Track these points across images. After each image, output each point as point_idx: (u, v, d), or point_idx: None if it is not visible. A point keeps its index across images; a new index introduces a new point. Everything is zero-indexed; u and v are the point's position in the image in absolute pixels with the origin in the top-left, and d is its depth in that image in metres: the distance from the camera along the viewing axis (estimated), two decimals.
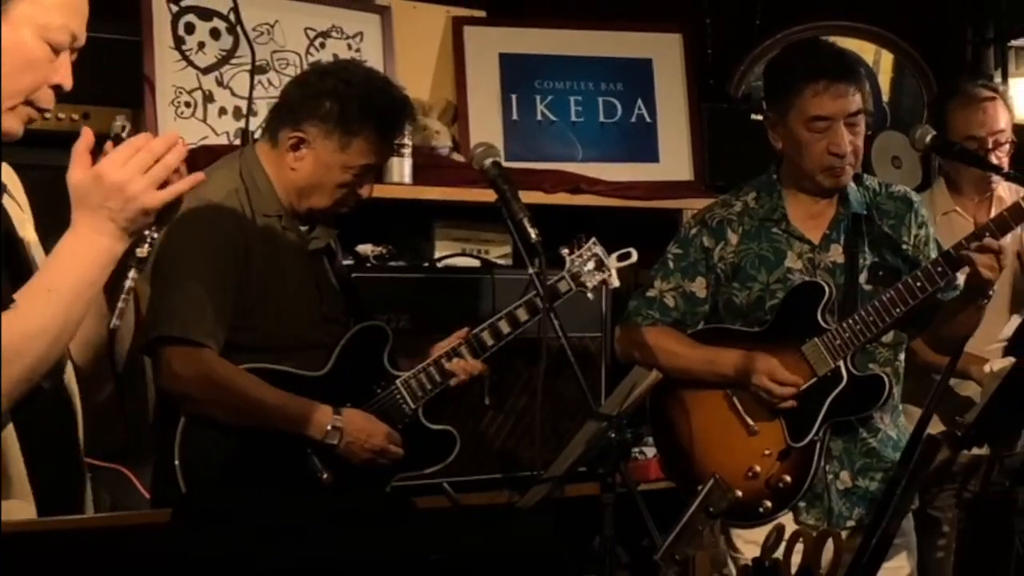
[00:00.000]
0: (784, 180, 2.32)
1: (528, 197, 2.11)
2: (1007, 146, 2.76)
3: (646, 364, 2.09)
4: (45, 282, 1.36)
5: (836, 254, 2.29)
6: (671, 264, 2.34)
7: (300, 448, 2.06)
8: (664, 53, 3.09)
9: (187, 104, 2.59)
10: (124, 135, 1.38)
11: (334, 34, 2.78)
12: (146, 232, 1.37)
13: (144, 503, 2.26)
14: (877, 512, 1.72)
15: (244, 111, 2.59)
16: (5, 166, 1.49)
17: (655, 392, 2.08)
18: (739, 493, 1.91)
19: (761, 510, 2.20)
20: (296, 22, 2.73)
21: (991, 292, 2.21)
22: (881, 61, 3.59)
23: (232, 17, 2.62)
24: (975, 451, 2.66)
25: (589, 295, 2.23)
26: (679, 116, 3.07)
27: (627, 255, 2.23)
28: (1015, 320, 2.82)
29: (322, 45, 2.75)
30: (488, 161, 1.96)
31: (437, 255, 2.77)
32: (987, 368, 2.67)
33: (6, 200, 1.48)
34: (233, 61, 2.64)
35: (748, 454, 2.22)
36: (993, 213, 2.51)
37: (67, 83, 1.43)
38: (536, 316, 2.15)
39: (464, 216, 2.78)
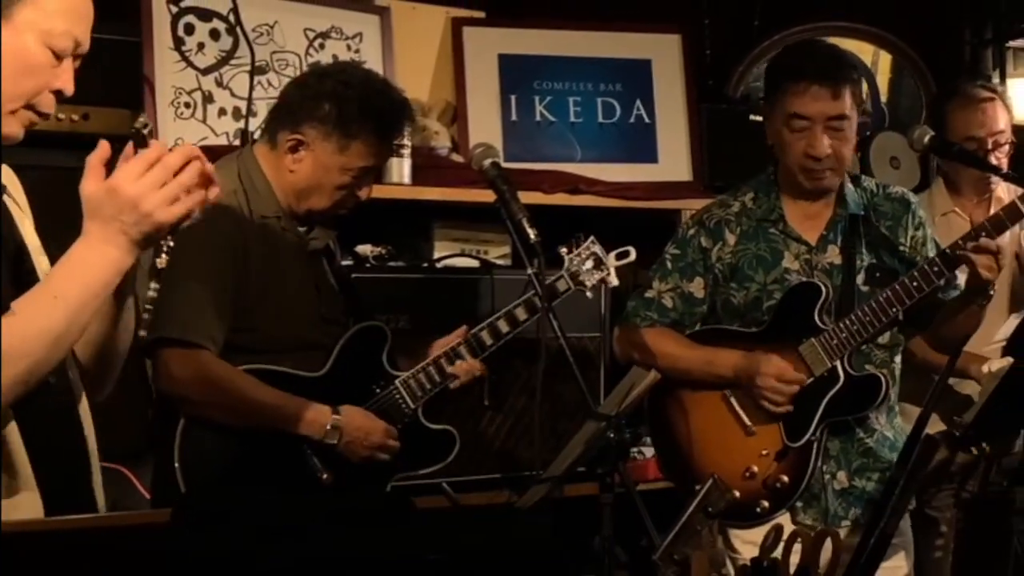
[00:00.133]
0: (781, 180, 2.33)
1: (527, 197, 2.11)
2: (1006, 147, 2.77)
3: (645, 365, 2.10)
4: (52, 288, 1.37)
5: (833, 255, 2.29)
6: (669, 265, 2.34)
7: (299, 448, 2.06)
8: (663, 54, 3.09)
9: (187, 105, 2.59)
10: (146, 132, 1.39)
11: (333, 35, 2.78)
12: (161, 242, 1.38)
13: (144, 503, 2.26)
14: (875, 512, 1.72)
15: (244, 112, 2.59)
16: (5, 167, 1.49)
17: (653, 392, 2.09)
18: (737, 493, 1.91)
19: (758, 510, 2.21)
20: (295, 23, 2.73)
21: (991, 292, 2.22)
22: (879, 62, 3.59)
23: (232, 18, 2.63)
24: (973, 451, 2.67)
25: (588, 294, 2.23)
26: (678, 117, 3.08)
27: (625, 254, 2.24)
28: (1013, 320, 2.83)
29: (321, 46, 2.76)
30: (487, 162, 1.96)
31: (436, 255, 2.78)
32: (985, 368, 2.67)
33: (7, 200, 1.49)
34: (233, 62, 2.64)
35: (745, 454, 2.23)
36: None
37: (68, 89, 1.43)
38: (535, 315, 2.15)
39: (463, 216, 2.78)
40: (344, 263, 2.57)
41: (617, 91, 3.05)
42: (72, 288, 1.36)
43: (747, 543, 2.20)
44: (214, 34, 2.63)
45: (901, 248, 2.31)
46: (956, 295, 2.29)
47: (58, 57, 1.42)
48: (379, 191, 2.62)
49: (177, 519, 1.11)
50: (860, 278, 2.27)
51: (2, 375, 1.31)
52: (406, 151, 2.65)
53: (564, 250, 2.20)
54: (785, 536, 1.60)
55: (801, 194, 2.30)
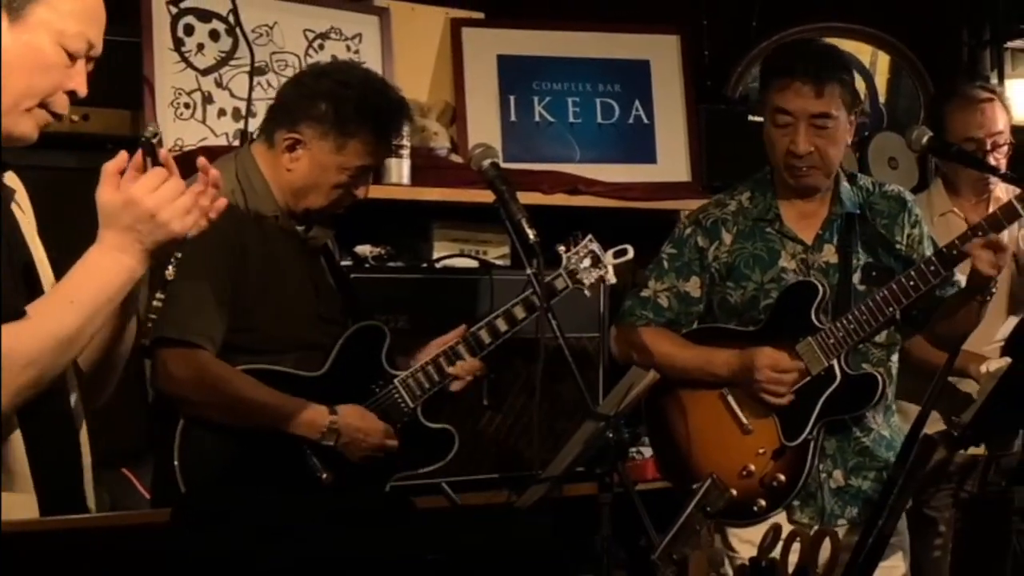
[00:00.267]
0: (777, 180, 2.33)
1: (526, 198, 2.11)
2: (1005, 148, 2.77)
3: (643, 364, 2.10)
4: (67, 293, 1.39)
5: (829, 254, 2.29)
6: (665, 264, 2.35)
7: (299, 448, 2.06)
8: (661, 55, 3.09)
9: (186, 105, 2.59)
10: (155, 141, 1.42)
11: (333, 36, 2.78)
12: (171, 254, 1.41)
13: (144, 503, 2.26)
14: (874, 511, 1.73)
15: (243, 112, 2.59)
16: (12, 175, 1.51)
17: (650, 392, 2.09)
18: (734, 492, 1.92)
19: (755, 509, 2.21)
20: (295, 24, 2.73)
21: (993, 290, 2.22)
22: (878, 62, 3.59)
23: (231, 19, 2.63)
24: (971, 451, 2.67)
25: (586, 292, 2.23)
26: (676, 117, 3.08)
27: (623, 252, 2.24)
28: (1012, 321, 2.83)
29: (321, 47, 2.76)
30: (486, 162, 1.96)
31: (435, 256, 2.78)
32: (983, 368, 2.67)
33: (13, 207, 1.50)
34: (232, 62, 2.64)
35: (742, 453, 2.23)
36: None
37: (82, 90, 1.45)
38: (533, 314, 2.15)
39: (462, 217, 2.78)
40: (343, 263, 2.57)
41: (616, 92, 3.06)
42: (86, 294, 1.38)
43: (744, 542, 2.21)
44: (214, 35, 2.63)
45: (897, 246, 2.31)
46: (954, 292, 2.29)
47: (72, 58, 1.43)
48: (378, 191, 2.62)
49: (177, 519, 1.11)
50: (856, 277, 2.28)
51: (15, 378, 1.32)
52: (405, 152, 2.65)
53: (562, 248, 2.20)
54: (784, 535, 1.61)
55: (796, 193, 2.30)
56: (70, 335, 1.37)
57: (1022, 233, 2.82)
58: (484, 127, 2.89)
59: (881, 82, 3.60)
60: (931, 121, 2.83)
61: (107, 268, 1.40)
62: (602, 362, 2.60)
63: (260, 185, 2.11)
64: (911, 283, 2.19)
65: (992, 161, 2.71)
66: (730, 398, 2.27)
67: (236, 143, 2.54)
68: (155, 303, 1.42)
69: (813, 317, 2.23)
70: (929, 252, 2.28)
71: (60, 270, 1.48)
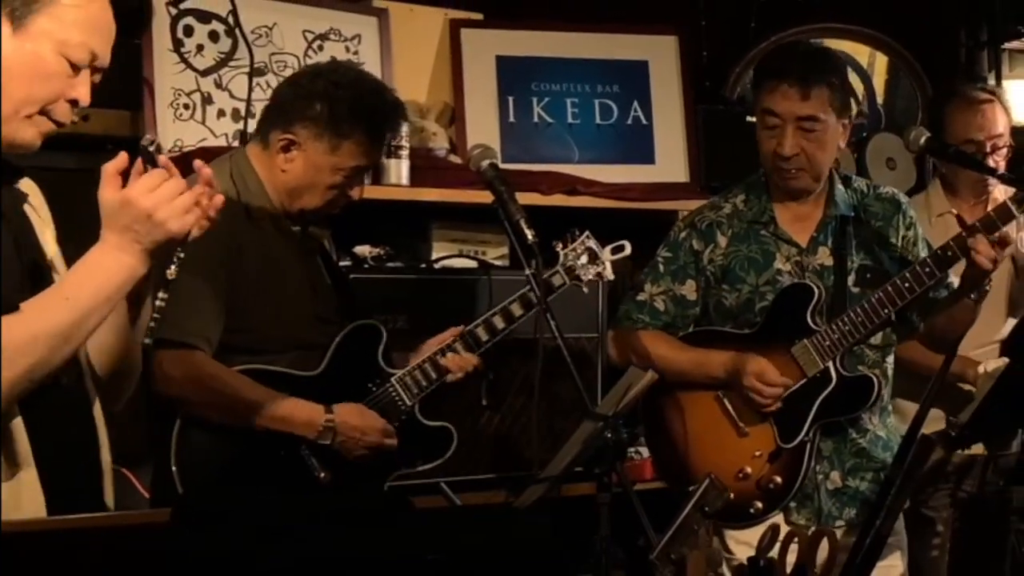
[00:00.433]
0: (771, 182, 2.34)
1: (525, 198, 2.12)
2: (1004, 150, 2.77)
3: (640, 367, 2.10)
4: (63, 290, 1.40)
5: (824, 256, 2.30)
6: (661, 268, 2.35)
7: (296, 448, 2.06)
8: (660, 55, 3.10)
9: (186, 106, 2.59)
10: (153, 150, 1.43)
11: (332, 37, 2.79)
12: (173, 253, 1.42)
13: (144, 503, 2.26)
14: (872, 512, 1.73)
15: (243, 113, 2.60)
16: (30, 181, 1.53)
17: (647, 393, 2.09)
18: (731, 494, 1.92)
19: (752, 511, 2.22)
20: (294, 25, 2.73)
21: (987, 287, 2.23)
22: (876, 63, 3.60)
23: (231, 20, 2.63)
24: (970, 450, 2.68)
25: (584, 289, 2.23)
26: (675, 118, 3.08)
27: (621, 248, 2.24)
28: (1011, 323, 2.84)
29: (320, 48, 2.76)
30: (485, 163, 1.97)
31: (434, 256, 2.78)
32: (981, 368, 2.69)
33: (28, 210, 1.52)
34: (232, 63, 2.64)
35: (739, 455, 2.23)
36: None
37: (84, 99, 1.46)
38: (531, 311, 2.16)
39: (461, 217, 2.78)
40: (342, 263, 2.57)
41: (614, 92, 3.06)
42: (83, 291, 1.39)
43: (741, 543, 2.21)
44: (213, 36, 2.63)
45: (892, 248, 2.32)
46: (947, 295, 2.30)
47: (75, 68, 1.44)
48: (377, 192, 2.63)
49: (176, 519, 1.11)
50: (851, 279, 2.28)
51: (6, 371, 1.33)
52: (404, 152, 2.66)
53: (559, 245, 2.20)
54: (782, 536, 1.61)
55: (790, 196, 2.30)
56: (63, 331, 1.37)
57: (1021, 235, 2.82)
58: (483, 128, 2.90)
59: (879, 83, 3.61)
60: (930, 122, 2.83)
61: (105, 267, 1.41)
62: (600, 362, 2.61)
63: (255, 186, 2.11)
64: (906, 285, 2.19)
65: (991, 163, 2.71)
66: (726, 400, 2.27)
67: (236, 144, 2.54)
68: (158, 302, 1.42)
69: (809, 319, 2.23)
70: (924, 254, 2.29)
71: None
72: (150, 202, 1.38)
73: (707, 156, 3.07)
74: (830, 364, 2.22)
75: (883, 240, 2.31)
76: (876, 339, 2.29)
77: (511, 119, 2.96)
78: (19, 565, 1.03)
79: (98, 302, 1.39)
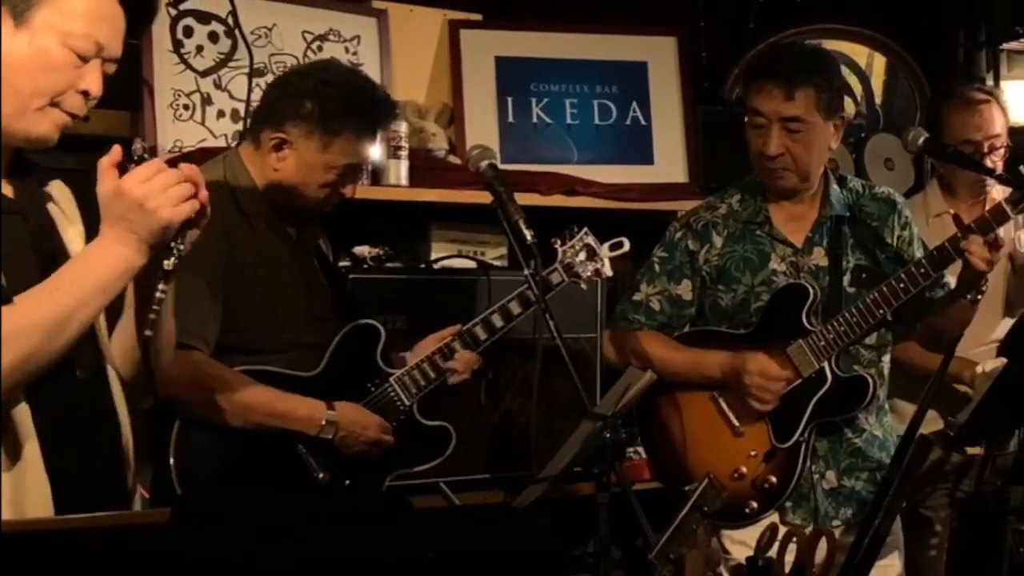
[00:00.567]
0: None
1: (524, 199, 2.12)
2: (1002, 150, 2.77)
3: (638, 367, 2.10)
4: (58, 281, 1.41)
5: (819, 257, 2.30)
6: (657, 268, 2.35)
7: (295, 448, 2.07)
8: (659, 56, 3.10)
9: (185, 107, 2.60)
10: (147, 157, 1.44)
11: (331, 37, 2.79)
12: (172, 244, 1.41)
13: (144, 503, 2.26)
14: (870, 512, 1.73)
15: (242, 114, 2.60)
16: (60, 182, 1.54)
17: (643, 394, 2.10)
18: (727, 493, 1.92)
19: (748, 511, 2.22)
20: (294, 25, 2.74)
21: (983, 288, 2.23)
22: (874, 64, 3.61)
23: (230, 20, 2.64)
24: (968, 450, 2.68)
25: (583, 285, 2.23)
26: (673, 119, 3.09)
27: (619, 244, 2.24)
28: (1008, 323, 2.84)
29: (319, 48, 2.77)
30: (484, 163, 1.97)
31: (433, 256, 2.78)
32: (979, 369, 2.69)
33: (53, 209, 1.53)
34: (231, 64, 2.65)
35: (734, 455, 2.24)
36: None
37: (94, 90, 1.46)
38: (529, 309, 2.16)
39: (460, 218, 2.79)
40: (342, 264, 2.58)
41: (613, 93, 3.07)
42: (76, 282, 1.40)
43: (737, 543, 2.21)
44: (213, 36, 2.64)
45: (888, 248, 2.32)
46: (943, 294, 2.30)
47: (82, 58, 1.45)
48: (377, 192, 2.63)
49: (176, 519, 1.12)
50: (847, 279, 2.28)
51: None
52: (403, 153, 2.66)
53: (557, 242, 2.20)
54: (780, 535, 1.61)
55: (784, 196, 2.31)
56: (56, 322, 1.38)
57: (1018, 235, 2.83)
58: (482, 128, 2.90)
59: (877, 83, 3.61)
60: (929, 123, 2.84)
61: (98, 258, 1.41)
62: (599, 362, 2.61)
63: (249, 186, 2.11)
64: (901, 285, 2.19)
65: (989, 163, 2.71)
66: (721, 401, 2.27)
67: (235, 144, 2.55)
68: (158, 294, 1.42)
69: (804, 320, 2.23)
70: (919, 254, 2.29)
71: None
72: (142, 191, 1.38)
73: (706, 157, 3.07)
74: (825, 364, 2.22)
75: (878, 240, 2.31)
76: (871, 339, 2.29)
77: (510, 119, 2.97)
78: (20, 565, 1.03)
79: (92, 292, 1.39)
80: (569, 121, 3.03)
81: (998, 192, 2.82)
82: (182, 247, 1.42)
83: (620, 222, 2.63)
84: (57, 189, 1.56)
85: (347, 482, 2.10)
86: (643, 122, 3.08)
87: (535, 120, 3.00)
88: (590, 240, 2.22)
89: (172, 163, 1.48)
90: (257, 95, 2.60)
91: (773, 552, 1.59)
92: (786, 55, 2.35)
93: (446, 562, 1.12)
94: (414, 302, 2.53)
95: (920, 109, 3.54)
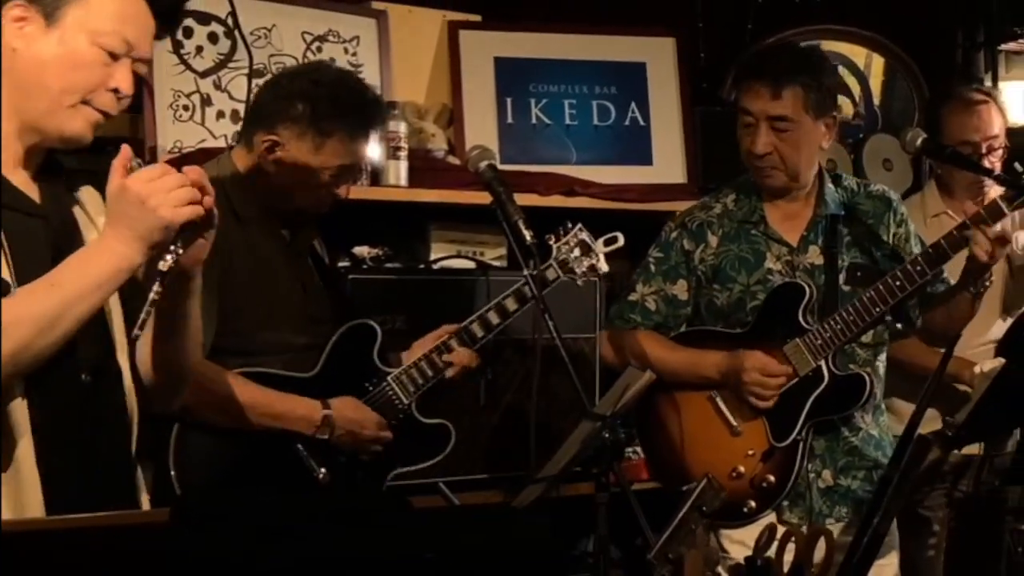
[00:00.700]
0: None
1: (523, 199, 2.12)
2: (1000, 152, 2.78)
3: (637, 367, 2.11)
4: (53, 277, 1.42)
5: (814, 256, 2.31)
6: (652, 268, 2.36)
7: (294, 449, 2.07)
8: (657, 57, 3.11)
9: (185, 107, 2.60)
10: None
11: (331, 38, 2.79)
12: (171, 247, 1.42)
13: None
14: (868, 511, 1.73)
15: (242, 114, 2.60)
16: (92, 189, 1.56)
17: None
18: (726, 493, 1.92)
19: (746, 510, 2.22)
20: (293, 26, 2.74)
21: (987, 282, 2.24)
22: (872, 64, 3.61)
23: (230, 21, 2.64)
24: (965, 450, 2.68)
25: (578, 282, 2.22)
26: (672, 119, 3.09)
27: (614, 239, 2.24)
28: (1005, 323, 2.85)
29: (319, 49, 2.77)
30: (483, 164, 1.97)
31: (433, 257, 2.79)
32: (977, 369, 2.70)
33: (78, 213, 1.54)
34: (231, 65, 2.65)
35: (732, 454, 2.24)
36: None
37: (124, 88, 1.48)
38: (525, 305, 2.16)
39: (459, 218, 2.79)
40: (341, 264, 2.58)
41: (612, 94, 3.07)
42: (71, 278, 1.40)
43: (735, 543, 2.21)
44: (212, 37, 2.64)
45: (883, 246, 2.32)
46: (944, 289, 2.31)
47: (113, 56, 1.47)
48: (376, 193, 2.63)
49: (175, 519, 1.12)
50: (842, 278, 2.29)
51: None
52: (403, 153, 2.67)
53: (551, 239, 2.20)
54: (779, 535, 1.62)
55: (779, 195, 2.31)
56: (48, 316, 1.38)
57: (1016, 236, 2.83)
58: (481, 129, 2.90)
59: (876, 84, 3.62)
60: (927, 124, 2.84)
61: (95, 254, 1.42)
62: (598, 362, 2.62)
63: (242, 189, 2.11)
64: (897, 283, 2.20)
65: (987, 164, 2.72)
66: (719, 400, 2.28)
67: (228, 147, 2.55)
68: (152, 295, 1.42)
69: (800, 318, 2.24)
70: (916, 250, 2.30)
71: None
72: (145, 189, 1.39)
73: (704, 157, 3.07)
74: (822, 363, 2.23)
75: (874, 238, 2.32)
76: (868, 337, 2.30)
77: (509, 120, 2.97)
78: (19, 565, 1.03)
79: (88, 289, 1.40)
80: (568, 122, 3.03)
81: (996, 193, 2.82)
82: (180, 251, 1.42)
83: (619, 222, 2.62)
84: (87, 194, 1.57)
85: (355, 476, 2.09)
86: (642, 123, 3.08)
87: (534, 121, 3.00)
88: (584, 236, 2.22)
89: (173, 163, 1.49)
90: None
91: (772, 552, 1.59)
92: (775, 55, 2.36)
93: (445, 562, 1.12)
94: (413, 302, 2.53)
95: (918, 110, 3.55)
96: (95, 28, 1.46)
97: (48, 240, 1.48)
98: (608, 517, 1.67)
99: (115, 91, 1.48)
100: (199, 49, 2.62)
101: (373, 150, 2.65)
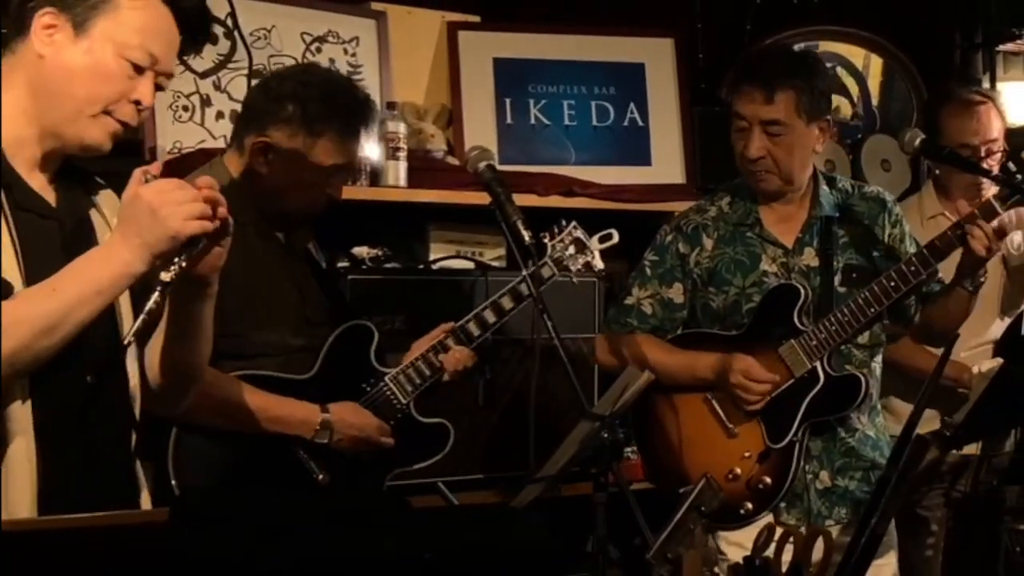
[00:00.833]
0: None
1: (522, 200, 2.12)
2: (999, 154, 2.78)
3: (636, 368, 2.11)
4: (56, 281, 1.43)
5: (809, 257, 2.31)
6: (648, 271, 2.36)
7: (293, 451, 2.07)
8: (656, 58, 3.11)
9: (185, 108, 2.60)
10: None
11: (330, 39, 2.80)
12: (175, 259, 1.43)
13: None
14: (866, 511, 1.74)
15: None
16: (111, 193, 1.58)
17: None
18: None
19: (742, 511, 2.22)
20: (293, 27, 2.74)
21: (982, 278, 2.24)
22: (871, 65, 3.61)
23: (230, 22, 2.64)
24: (964, 450, 2.69)
25: (573, 279, 2.23)
26: (671, 120, 3.10)
27: (608, 236, 2.24)
28: (1003, 324, 2.85)
29: (318, 50, 2.77)
30: (482, 164, 1.97)
31: (432, 257, 2.79)
32: (975, 369, 2.70)
33: (95, 216, 1.56)
34: (230, 66, 2.65)
35: (728, 456, 2.24)
36: None
37: (146, 100, 1.51)
38: (521, 303, 2.16)
39: (459, 218, 2.79)
40: (340, 264, 2.58)
41: (611, 94, 3.07)
42: (72, 282, 1.42)
43: (732, 544, 2.21)
44: (212, 38, 2.63)
45: (878, 247, 2.33)
46: (939, 288, 2.32)
47: (137, 69, 1.50)
48: (375, 193, 2.64)
49: (175, 519, 1.12)
50: (837, 279, 2.29)
51: None
52: (402, 154, 2.67)
53: (546, 236, 2.19)
54: (777, 535, 1.62)
55: (772, 198, 2.32)
56: (48, 319, 1.39)
57: (1011, 237, 2.84)
58: (480, 129, 2.91)
59: (874, 85, 3.62)
60: (925, 125, 2.84)
61: (98, 260, 1.43)
62: (597, 362, 2.62)
63: (235, 192, 2.10)
64: (892, 284, 2.20)
65: (985, 167, 2.72)
66: (714, 402, 2.28)
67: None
68: (150, 304, 1.43)
69: (796, 320, 2.24)
70: (911, 250, 2.30)
71: None
72: (157, 199, 1.41)
73: (703, 158, 3.08)
74: (817, 364, 2.23)
75: (869, 239, 2.32)
76: (863, 338, 2.30)
77: (508, 121, 2.98)
78: (19, 565, 1.03)
79: (85, 294, 1.41)
80: (567, 122, 3.03)
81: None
82: (184, 263, 1.44)
83: (617, 223, 2.63)
84: (105, 198, 1.59)
85: (355, 477, 2.09)
86: (640, 123, 3.09)
87: (533, 121, 3.01)
88: (579, 234, 2.22)
89: (172, 164, 1.50)
90: None
91: (770, 552, 1.60)
92: (768, 58, 2.36)
93: (444, 562, 1.12)
94: (412, 302, 2.53)
95: (917, 110, 3.55)
96: (122, 41, 1.49)
97: (61, 242, 1.50)
98: (607, 517, 1.67)
99: (136, 103, 1.51)
100: (198, 51, 2.62)
101: (372, 150, 2.66)
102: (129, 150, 1.99)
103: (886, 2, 3.57)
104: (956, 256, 2.26)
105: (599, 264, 2.23)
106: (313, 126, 2.06)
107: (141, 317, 1.43)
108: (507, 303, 2.18)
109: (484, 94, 2.96)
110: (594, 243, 2.23)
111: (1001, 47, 3.64)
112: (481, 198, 2.01)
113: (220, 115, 2.64)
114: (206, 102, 2.62)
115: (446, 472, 2.41)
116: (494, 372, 2.53)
